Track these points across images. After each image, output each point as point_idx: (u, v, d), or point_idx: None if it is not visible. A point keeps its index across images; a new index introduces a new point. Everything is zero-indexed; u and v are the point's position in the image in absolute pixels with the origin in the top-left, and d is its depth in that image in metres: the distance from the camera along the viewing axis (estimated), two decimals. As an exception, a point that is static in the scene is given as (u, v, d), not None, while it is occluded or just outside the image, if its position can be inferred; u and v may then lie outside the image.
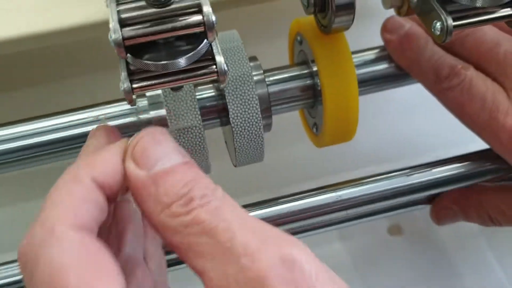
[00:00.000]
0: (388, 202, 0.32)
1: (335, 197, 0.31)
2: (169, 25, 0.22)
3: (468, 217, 0.36)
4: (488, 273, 0.44)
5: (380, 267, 0.44)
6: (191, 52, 0.23)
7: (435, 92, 0.33)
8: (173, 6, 0.22)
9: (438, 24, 0.25)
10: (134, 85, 0.23)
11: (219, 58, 0.23)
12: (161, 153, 0.21)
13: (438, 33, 0.25)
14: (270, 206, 0.31)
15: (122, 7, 0.22)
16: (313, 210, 0.30)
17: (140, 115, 0.33)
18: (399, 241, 0.45)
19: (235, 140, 0.32)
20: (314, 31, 0.34)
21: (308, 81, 0.35)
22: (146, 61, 0.22)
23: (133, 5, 0.22)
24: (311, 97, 0.35)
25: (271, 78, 0.35)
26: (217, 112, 0.33)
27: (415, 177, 0.32)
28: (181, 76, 0.23)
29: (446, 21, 0.25)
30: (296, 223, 0.30)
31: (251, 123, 0.32)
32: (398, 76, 0.36)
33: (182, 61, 0.23)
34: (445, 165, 0.33)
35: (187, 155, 0.22)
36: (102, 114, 0.33)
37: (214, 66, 0.24)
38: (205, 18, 0.22)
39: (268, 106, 0.34)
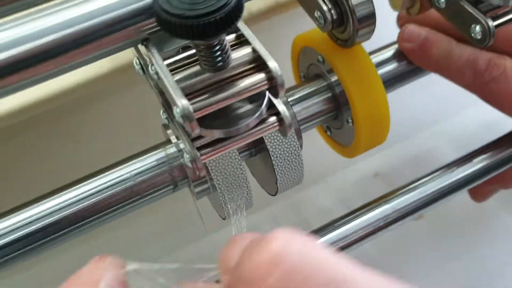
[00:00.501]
0: (435, 204, 0.32)
1: (390, 209, 0.31)
2: (235, 90, 0.21)
3: (506, 187, 0.37)
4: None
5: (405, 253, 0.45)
6: (257, 110, 0.22)
7: (476, 88, 0.33)
8: (231, 66, 0.21)
9: (478, 28, 0.25)
10: (203, 156, 0.22)
11: (282, 108, 0.22)
12: None
13: (480, 37, 0.25)
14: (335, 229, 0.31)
15: (178, 76, 0.21)
16: (372, 226, 0.30)
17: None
18: (422, 225, 0.46)
19: (276, 166, 0.31)
20: (326, 42, 0.33)
21: (329, 93, 0.34)
22: (217, 130, 0.21)
23: (188, 72, 0.21)
24: (333, 109, 0.34)
25: (292, 98, 0.34)
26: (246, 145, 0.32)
27: (459, 172, 0.33)
28: (246, 135, 0.22)
29: (487, 24, 0.25)
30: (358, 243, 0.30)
31: (289, 147, 0.31)
32: (412, 71, 0.36)
33: (252, 123, 0.21)
34: (484, 154, 0.33)
35: None
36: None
37: (275, 117, 0.23)
38: (274, 75, 0.20)
39: (297, 126, 0.33)
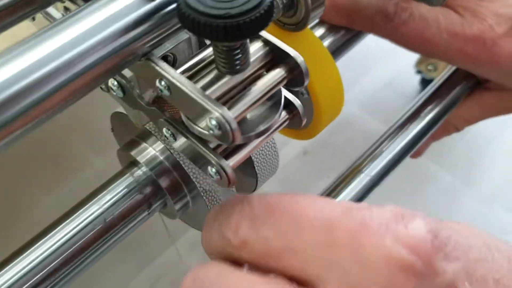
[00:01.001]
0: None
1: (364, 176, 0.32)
2: (262, 88, 0.19)
3: (436, 139, 0.40)
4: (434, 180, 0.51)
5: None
6: (278, 105, 0.21)
7: (388, 33, 0.34)
8: (249, 66, 0.20)
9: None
10: (231, 163, 0.20)
11: (293, 98, 0.22)
12: None
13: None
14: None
15: (200, 84, 0.19)
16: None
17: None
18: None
19: (256, 162, 0.30)
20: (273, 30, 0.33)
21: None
22: (252, 133, 0.20)
23: (208, 78, 0.19)
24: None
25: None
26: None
27: (410, 131, 0.35)
28: (268, 133, 0.21)
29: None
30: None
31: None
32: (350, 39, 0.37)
33: (278, 119, 0.20)
34: (425, 109, 0.36)
35: None
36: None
37: (285, 112, 0.22)
38: (298, 63, 0.20)
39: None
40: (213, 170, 0.21)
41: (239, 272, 0.20)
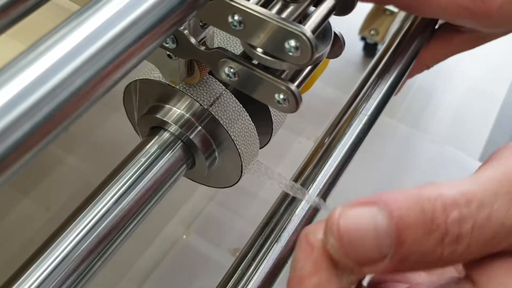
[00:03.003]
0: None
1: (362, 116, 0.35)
2: (325, 14, 0.22)
3: (410, 76, 0.45)
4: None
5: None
6: (329, 33, 0.24)
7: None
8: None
9: None
10: (299, 87, 0.23)
11: (339, 33, 0.25)
12: None
13: None
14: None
15: (273, 11, 0.21)
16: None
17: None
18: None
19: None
20: None
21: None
22: (323, 48, 0.22)
23: (278, 6, 0.22)
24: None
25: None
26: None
27: (392, 73, 0.39)
28: (324, 57, 0.24)
29: None
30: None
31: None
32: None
33: (330, 46, 0.23)
34: (399, 54, 0.40)
35: None
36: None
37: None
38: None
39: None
40: (281, 96, 0.23)
41: None
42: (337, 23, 0.28)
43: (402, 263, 0.17)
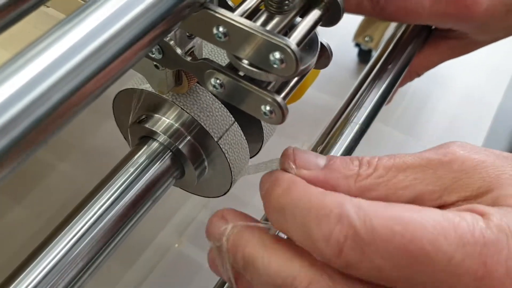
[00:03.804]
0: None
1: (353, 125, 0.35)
2: (310, 26, 0.22)
3: (401, 85, 0.45)
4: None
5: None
6: (315, 44, 0.23)
7: (376, 13, 0.38)
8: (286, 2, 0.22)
9: None
10: (284, 99, 0.23)
11: (326, 43, 0.25)
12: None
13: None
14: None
15: (258, 23, 0.21)
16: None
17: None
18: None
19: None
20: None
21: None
22: (310, 61, 0.22)
23: (262, 18, 0.22)
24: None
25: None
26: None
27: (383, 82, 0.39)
28: (310, 69, 0.24)
29: None
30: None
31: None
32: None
33: (316, 57, 0.23)
34: (390, 62, 0.40)
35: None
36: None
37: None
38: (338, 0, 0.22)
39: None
40: (267, 108, 0.23)
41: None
42: (332, 30, 0.28)
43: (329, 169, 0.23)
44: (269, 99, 0.23)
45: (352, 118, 0.36)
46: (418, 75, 0.44)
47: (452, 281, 0.19)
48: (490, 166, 0.21)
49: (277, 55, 0.21)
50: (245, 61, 0.22)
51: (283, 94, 0.24)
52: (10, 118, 0.16)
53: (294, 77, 0.23)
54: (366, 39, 0.58)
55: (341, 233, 0.19)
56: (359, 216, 0.20)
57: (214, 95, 0.28)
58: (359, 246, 0.19)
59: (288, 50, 0.20)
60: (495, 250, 0.18)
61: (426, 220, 0.19)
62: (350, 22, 0.60)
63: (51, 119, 0.17)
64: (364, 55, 0.60)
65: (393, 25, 0.49)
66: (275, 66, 0.21)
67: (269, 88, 0.23)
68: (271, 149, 0.55)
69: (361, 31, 0.58)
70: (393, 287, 0.20)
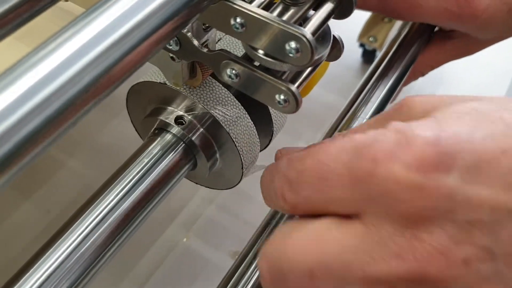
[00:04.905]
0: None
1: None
2: (324, 18, 0.23)
3: (405, 84, 0.46)
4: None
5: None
6: (328, 36, 0.24)
7: (379, 8, 0.38)
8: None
9: None
10: (298, 88, 0.24)
11: (338, 36, 0.26)
12: None
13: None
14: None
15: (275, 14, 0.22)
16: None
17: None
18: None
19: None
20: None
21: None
22: (324, 50, 0.23)
23: (278, 9, 0.22)
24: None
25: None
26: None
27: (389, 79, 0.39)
28: (323, 60, 0.25)
29: None
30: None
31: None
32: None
33: (329, 48, 0.24)
34: (396, 61, 0.41)
35: None
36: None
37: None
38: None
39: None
40: (282, 97, 0.24)
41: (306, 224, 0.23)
42: (336, 30, 0.29)
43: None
44: (284, 88, 0.23)
45: (357, 116, 0.37)
46: (423, 74, 0.45)
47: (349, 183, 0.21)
48: (436, 97, 0.22)
49: (293, 44, 0.21)
50: (261, 51, 0.23)
51: (297, 84, 0.24)
52: (29, 110, 0.17)
53: (308, 67, 0.24)
54: (371, 39, 0.59)
55: (280, 183, 0.23)
56: (288, 165, 0.23)
57: (229, 85, 0.28)
58: (290, 186, 0.22)
59: (304, 39, 0.21)
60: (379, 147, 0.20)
61: (334, 144, 0.22)
62: (355, 22, 0.61)
63: (69, 110, 0.18)
64: (368, 55, 0.61)
65: (397, 26, 0.50)
66: (290, 55, 0.22)
67: (283, 78, 0.24)
68: (276, 146, 0.56)
69: (366, 31, 0.59)
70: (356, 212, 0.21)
